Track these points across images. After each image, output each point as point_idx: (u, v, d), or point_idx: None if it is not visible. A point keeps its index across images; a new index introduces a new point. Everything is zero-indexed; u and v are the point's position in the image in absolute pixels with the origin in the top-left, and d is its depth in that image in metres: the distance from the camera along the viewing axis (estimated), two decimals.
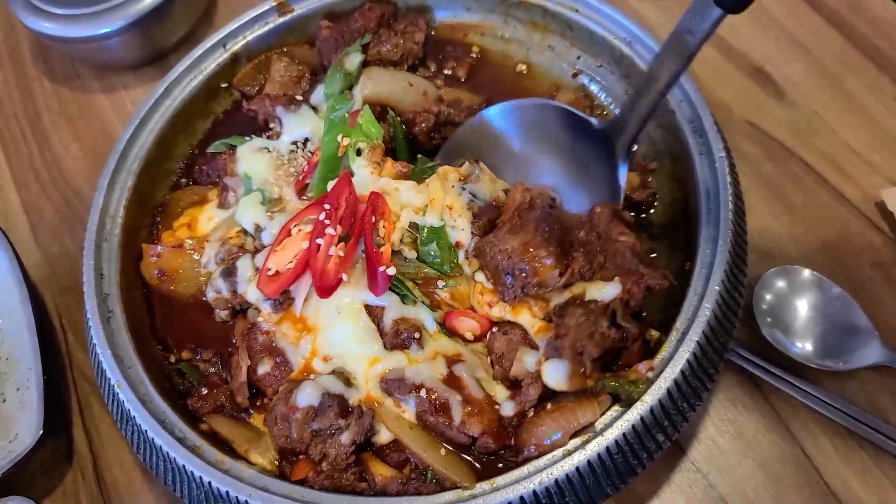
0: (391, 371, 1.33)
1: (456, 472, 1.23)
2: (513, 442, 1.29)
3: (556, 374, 1.25)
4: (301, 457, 1.32)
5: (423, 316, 1.37)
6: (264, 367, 1.41)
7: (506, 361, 1.33)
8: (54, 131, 2.09)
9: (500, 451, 1.28)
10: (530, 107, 1.58)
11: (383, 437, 1.32)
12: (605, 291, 1.29)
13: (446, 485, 1.24)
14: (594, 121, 1.48)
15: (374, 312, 1.38)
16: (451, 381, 1.31)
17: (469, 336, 1.39)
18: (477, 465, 1.29)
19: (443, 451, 1.27)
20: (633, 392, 1.24)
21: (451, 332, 1.39)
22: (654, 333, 1.34)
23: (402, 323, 1.36)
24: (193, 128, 1.78)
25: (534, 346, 1.31)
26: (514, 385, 1.34)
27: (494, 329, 1.37)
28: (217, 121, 1.82)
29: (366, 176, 1.50)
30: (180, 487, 1.31)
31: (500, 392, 1.33)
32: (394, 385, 1.32)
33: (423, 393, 1.29)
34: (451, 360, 1.34)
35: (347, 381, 1.35)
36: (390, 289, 1.38)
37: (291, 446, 1.31)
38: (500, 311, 1.37)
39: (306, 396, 1.31)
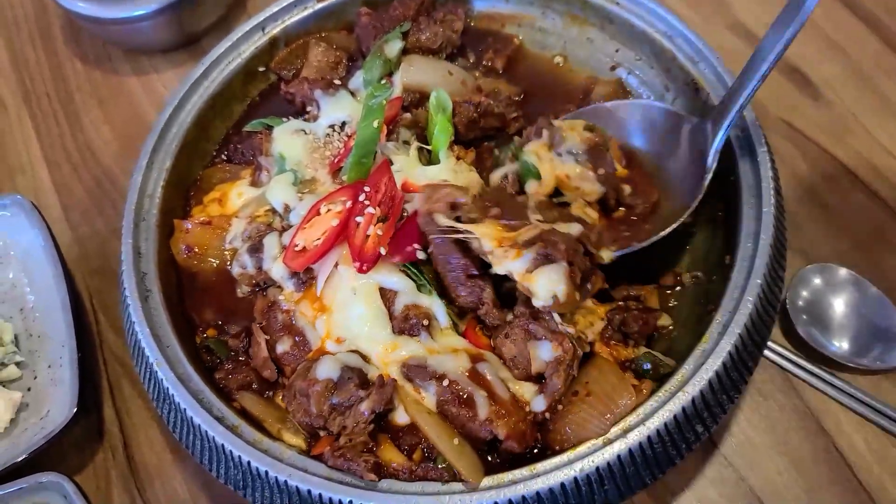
0: (412, 358, 1.33)
1: (464, 464, 1.22)
2: (548, 437, 1.28)
3: (551, 278, 1.23)
4: (322, 434, 1.32)
5: (436, 308, 1.37)
6: (283, 346, 1.41)
7: (521, 361, 1.31)
8: (85, 112, 2.10)
9: (524, 454, 1.27)
10: (630, 106, 1.58)
11: (399, 417, 1.31)
12: (572, 227, 1.31)
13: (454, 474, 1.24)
14: (693, 119, 1.48)
15: (387, 296, 1.38)
16: (476, 377, 1.30)
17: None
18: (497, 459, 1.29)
19: (456, 441, 1.26)
20: (665, 367, 1.30)
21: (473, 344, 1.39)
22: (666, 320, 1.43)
23: (412, 309, 1.36)
24: (230, 110, 1.78)
25: (540, 338, 1.30)
26: (538, 380, 1.33)
27: (498, 339, 1.35)
28: (253, 103, 1.82)
29: (450, 162, 1.53)
30: (216, 467, 1.31)
31: (527, 389, 1.32)
32: (415, 371, 1.31)
33: (445, 383, 1.28)
34: (475, 358, 1.33)
35: (365, 359, 1.36)
36: (406, 274, 1.38)
37: (310, 422, 1.30)
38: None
39: (326, 370, 1.30)
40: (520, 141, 1.50)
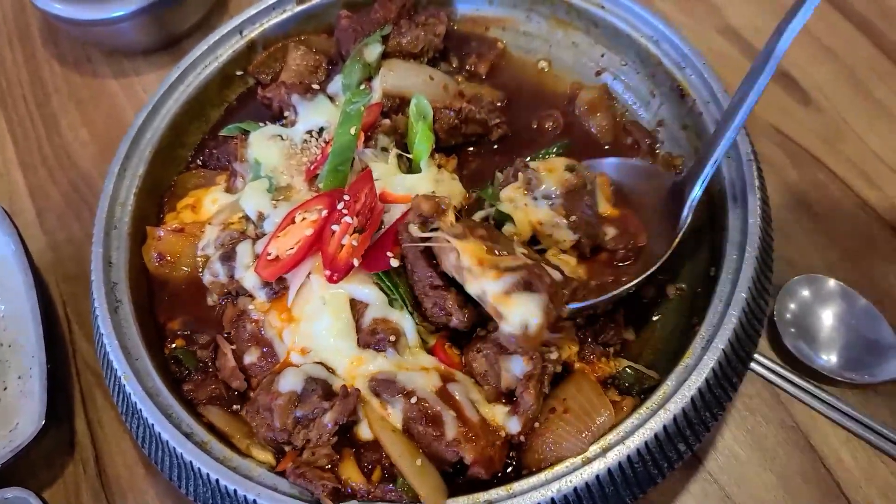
0: (381, 373, 1.29)
1: (426, 487, 1.18)
2: (524, 456, 1.25)
3: (529, 307, 1.17)
4: (288, 448, 1.28)
5: (406, 324, 1.33)
6: (251, 357, 1.38)
7: (491, 377, 1.28)
8: (63, 115, 2.06)
9: (490, 480, 1.22)
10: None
11: (363, 431, 1.27)
12: (553, 273, 1.26)
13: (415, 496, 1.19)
14: (672, 177, 1.46)
15: (356, 308, 1.34)
16: (445, 397, 1.26)
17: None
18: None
19: (419, 462, 1.21)
20: (649, 380, 1.29)
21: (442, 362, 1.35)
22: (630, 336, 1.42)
23: (381, 323, 1.32)
24: (206, 115, 1.75)
25: (511, 352, 1.26)
26: (510, 400, 1.29)
27: (470, 353, 1.32)
28: (230, 108, 1.78)
29: (431, 171, 1.50)
30: (186, 484, 1.27)
31: (499, 412, 1.28)
32: (383, 385, 1.27)
33: (413, 400, 1.24)
34: (446, 378, 1.29)
35: (331, 372, 1.32)
36: (380, 287, 1.35)
37: (274, 437, 1.26)
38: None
39: (289, 382, 1.27)
40: (501, 180, 1.46)
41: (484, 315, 1.27)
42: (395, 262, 1.32)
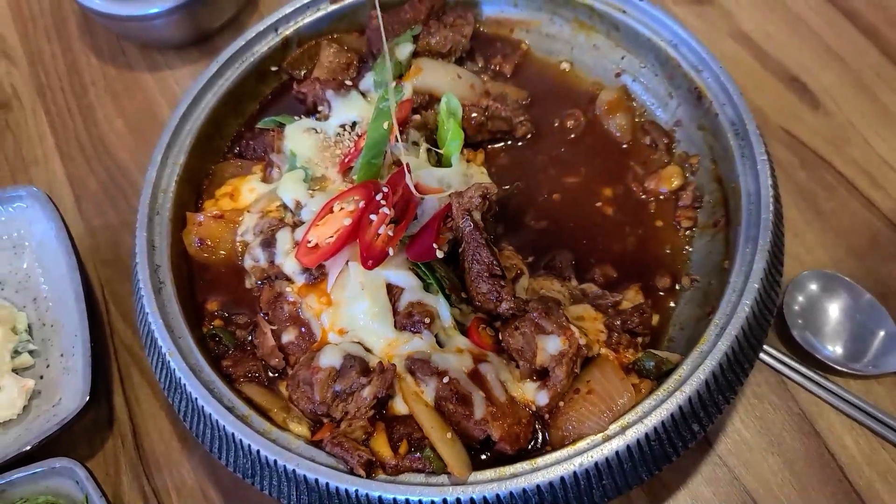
0: (417, 353, 1.36)
1: (454, 458, 1.25)
2: (549, 433, 1.33)
3: None
4: (326, 421, 1.35)
5: (441, 307, 1.40)
6: (289, 336, 1.45)
7: (528, 353, 1.35)
8: (100, 106, 2.13)
9: (516, 456, 1.29)
10: None
11: (398, 406, 1.34)
12: None
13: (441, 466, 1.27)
14: None
15: (393, 293, 1.41)
16: (476, 377, 1.33)
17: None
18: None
19: (449, 435, 1.28)
20: (667, 364, 1.33)
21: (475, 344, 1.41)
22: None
23: (416, 306, 1.39)
24: (243, 108, 1.82)
25: (549, 332, 1.33)
26: (542, 377, 1.36)
27: (508, 330, 1.39)
28: (265, 102, 1.85)
29: (461, 166, 1.57)
30: (226, 456, 1.34)
31: (529, 388, 1.35)
32: (418, 365, 1.34)
33: (445, 380, 1.31)
34: (478, 359, 1.37)
35: (368, 351, 1.39)
36: (416, 273, 1.42)
37: (314, 409, 1.33)
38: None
39: (328, 358, 1.34)
40: None
41: None
42: (440, 254, 1.39)
